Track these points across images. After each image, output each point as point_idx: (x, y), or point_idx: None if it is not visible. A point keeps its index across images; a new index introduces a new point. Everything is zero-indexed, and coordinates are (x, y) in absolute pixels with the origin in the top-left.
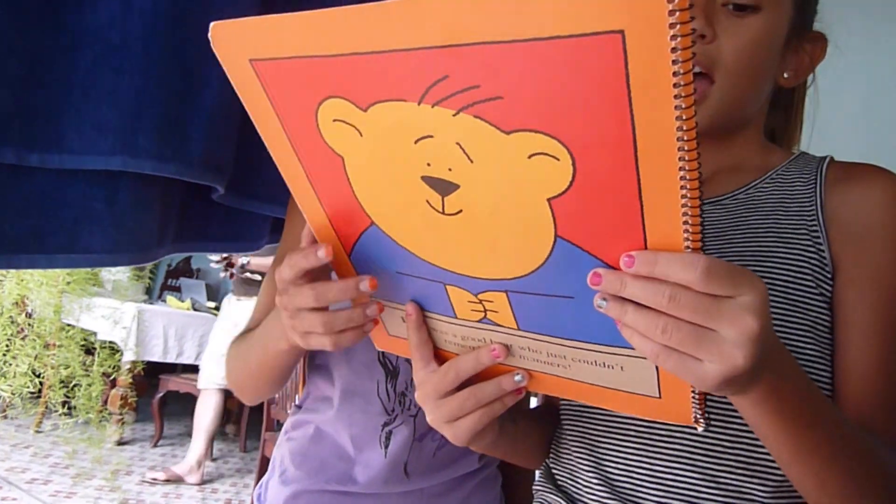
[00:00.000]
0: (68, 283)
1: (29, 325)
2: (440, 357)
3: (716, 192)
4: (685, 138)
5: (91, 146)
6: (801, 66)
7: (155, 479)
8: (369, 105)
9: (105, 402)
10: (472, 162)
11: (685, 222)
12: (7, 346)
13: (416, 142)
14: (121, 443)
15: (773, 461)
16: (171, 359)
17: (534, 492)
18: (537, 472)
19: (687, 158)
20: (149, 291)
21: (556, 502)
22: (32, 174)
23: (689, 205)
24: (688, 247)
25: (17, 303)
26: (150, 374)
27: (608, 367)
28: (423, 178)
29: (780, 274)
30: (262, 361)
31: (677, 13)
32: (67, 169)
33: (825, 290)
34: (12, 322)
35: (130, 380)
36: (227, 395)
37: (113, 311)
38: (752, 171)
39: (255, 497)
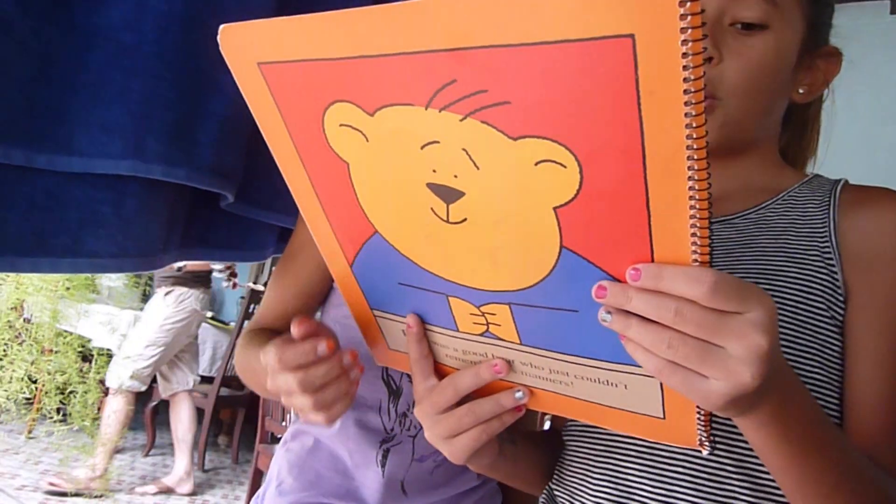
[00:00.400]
0: (67, 288)
1: (26, 330)
2: (440, 372)
3: (726, 211)
4: (695, 146)
5: (100, 149)
6: (816, 82)
7: (145, 493)
8: (376, 109)
9: (100, 410)
10: (478, 169)
11: (693, 234)
12: (4, 350)
13: (422, 147)
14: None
15: (778, 487)
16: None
17: None
18: (540, 497)
19: (696, 168)
20: (145, 299)
21: None
22: (38, 175)
23: (698, 216)
24: (695, 260)
25: (14, 307)
26: None
27: (611, 384)
28: (428, 184)
29: (790, 295)
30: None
31: (689, 17)
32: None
33: (836, 313)
34: (10, 326)
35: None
36: (220, 401)
37: (110, 317)
38: (763, 192)
39: None
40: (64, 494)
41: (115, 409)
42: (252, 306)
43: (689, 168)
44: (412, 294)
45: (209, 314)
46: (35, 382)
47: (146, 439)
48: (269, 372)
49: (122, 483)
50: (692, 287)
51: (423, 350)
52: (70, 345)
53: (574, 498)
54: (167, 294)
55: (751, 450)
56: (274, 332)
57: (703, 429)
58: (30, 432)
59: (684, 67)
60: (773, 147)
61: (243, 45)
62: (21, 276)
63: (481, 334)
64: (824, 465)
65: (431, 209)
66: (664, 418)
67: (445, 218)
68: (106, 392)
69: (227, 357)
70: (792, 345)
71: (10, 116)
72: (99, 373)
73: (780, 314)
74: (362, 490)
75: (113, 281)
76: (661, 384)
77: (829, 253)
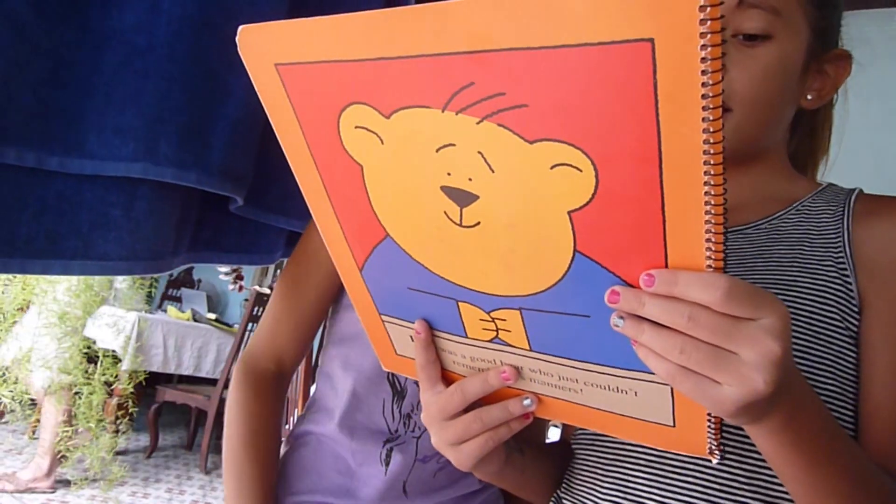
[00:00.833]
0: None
1: None
2: (447, 379)
3: (738, 221)
4: (712, 152)
5: (112, 151)
6: (824, 88)
7: (3, 490)
8: (392, 112)
9: (104, 411)
10: (493, 172)
11: (708, 240)
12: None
13: (437, 150)
14: (116, 452)
15: (791, 500)
16: (170, 369)
17: None
18: None
19: (713, 173)
20: (149, 300)
21: None
22: (50, 177)
23: (713, 222)
24: (709, 266)
25: (21, 308)
26: (147, 384)
27: (622, 391)
28: (442, 188)
29: (804, 305)
30: None
31: (709, 22)
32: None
33: (851, 324)
34: (14, 324)
35: (131, 389)
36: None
37: (116, 319)
38: (776, 202)
39: None
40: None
41: (49, 412)
42: (256, 309)
43: (705, 174)
44: (421, 299)
45: (213, 316)
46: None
47: (149, 441)
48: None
49: (125, 484)
50: (706, 292)
51: (430, 356)
52: (75, 346)
53: None
54: None
55: (763, 462)
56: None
57: (713, 437)
58: (33, 432)
59: (703, 73)
60: (783, 154)
61: (261, 46)
62: (28, 277)
63: (490, 340)
64: (836, 474)
65: (444, 213)
66: (674, 426)
67: (458, 221)
68: (110, 394)
69: (230, 359)
70: (806, 355)
71: (22, 118)
72: (104, 374)
73: (794, 325)
74: (363, 489)
75: (118, 283)
76: (672, 391)
77: (844, 263)
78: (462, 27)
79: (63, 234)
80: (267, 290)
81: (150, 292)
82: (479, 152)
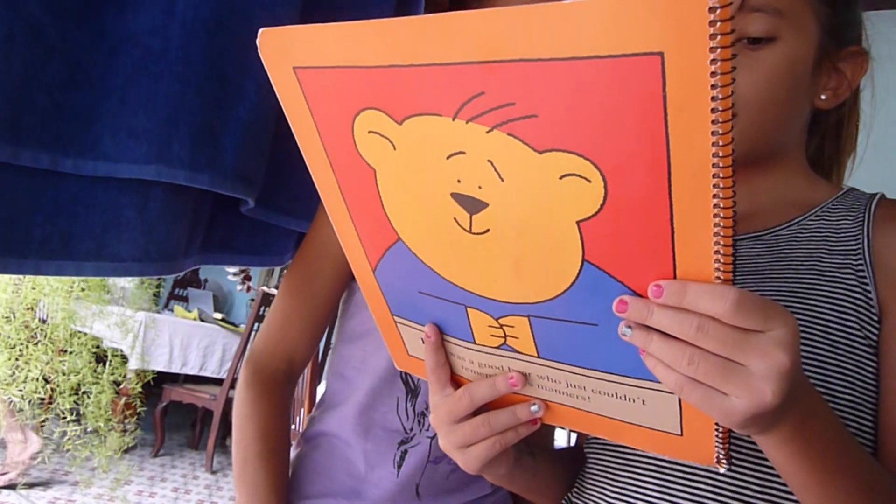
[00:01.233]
0: (83, 289)
1: (41, 330)
2: (457, 382)
3: (756, 227)
4: (721, 164)
5: (126, 153)
6: (840, 86)
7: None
8: (405, 118)
9: (113, 411)
10: (502, 180)
11: (717, 251)
12: (20, 351)
13: (448, 157)
14: (123, 451)
15: None
16: (175, 368)
17: None
18: None
19: (721, 186)
20: (156, 300)
21: None
22: (63, 178)
23: (722, 234)
24: (718, 277)
25: (30, 307)
26: (153, 383)
27: (629, 399)
28: (452, 194)
29: (822, 313)
30: None
31: (719, 37)
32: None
33: (870, 333)
34: (26, 327)
35: (139, 389)
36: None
37: (124, 318)
38: (795, 207)
39: None
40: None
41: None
42: (262, 308)
43: (714, 185)
44: (431, 303)
45: (219, 316)
46: (49, 382)
47: (155, 440)
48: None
49: (132, 483)
50: (715, 304)
51: (440, 359)
52: (84, 345)
53: None
54: None
55: (776, 472)
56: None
57: (720, 446)
58: (41, 427)
59: (713, 86)
60: (800, 156)
61: (281, 49)
62: (38, 276)
63: (498, 347)
64: (848, 484)
65: (455, 219)
66: (681, 435)
67: (468, 228)
68: (118, 393)
69: (236, 359)
70: (824, 365)
71: (38, 120)
72: (113, 374)
73: (812, 333)
74: (373, 491)
75: (130, 281)
76: (679, 401)
77: (863, 271)
78: (473, 37)
79: (76, 235)
80: (273, 290)
81: (158, 292)
82: (489, 161)
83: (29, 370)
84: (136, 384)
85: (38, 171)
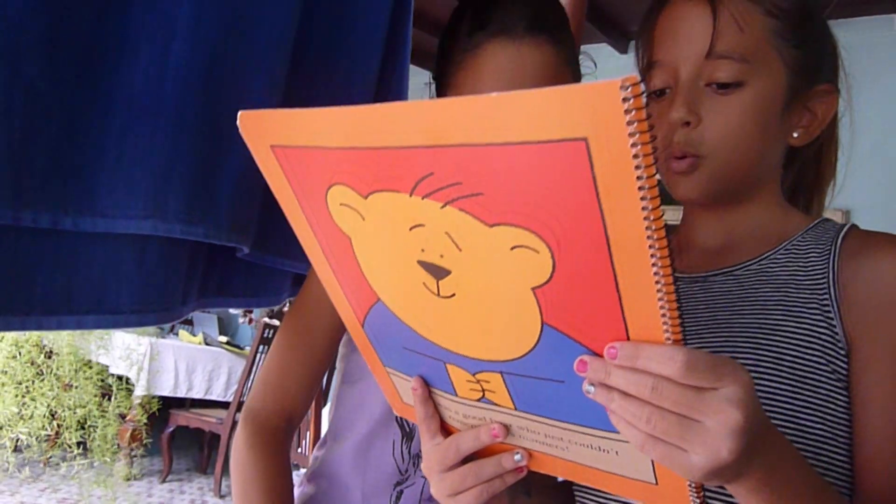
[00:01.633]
0: None
1: (47, 366)
2: (447, 431)
3: (729, 262)
4: (655, 238)
5: (123, 209)
6: (812, 124)
7: None
8: (369, 193)
9: (119, 444)
10: (460, 250)
11: (663, 315)
12: (26, 388)
13: (410, 229)
14: (130, 478)
15: None
16: (181, 393)
17: None
18: None
19: (659, 256)
20: (161, 327)
21: None
22: (63, 235)
23: (666, 300)
24: (668, 338)
25: (36, 344)
26: (158, 413)
27: (603, 450)
28: (419, 262)
29: (789, 349)
30: None
31: (635, 123)
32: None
33: (838, 367)
34: (31, 363)
35: (145, 420)
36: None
37: (130, 349)
38: (767, 241)
39: None
40: None
41: None
42: (267, 332)
43: (651, 256)
44: (415, 358)
45: (224, 339)
46: (55, 418)
47: (162, 465)
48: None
49: None
50: (666, 366)
51: (428, 410)
52: (90, 379)
53: None
54: None
55: None
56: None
57: (695, 495)
58: (48, 460)
59: (636, 167)
60: (775, 191)
61: (258, 130)
62: None
63: (478, 400)
64: None
65: (424, 284)
66: (657, 484)
67: (437, 292)
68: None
69: (242, 382)
70: (792, 400)
71: (38, 181)
72: (119, 407)
73: (779, 369)
74: None
75: None
76: None
77: (828, 305)
78: (420, 125)
79: (77, 289)
80: (276, 323)
81: None
82: (447, 233)
83: (35, 407)
84: (142, 415)
85: (38, 229)
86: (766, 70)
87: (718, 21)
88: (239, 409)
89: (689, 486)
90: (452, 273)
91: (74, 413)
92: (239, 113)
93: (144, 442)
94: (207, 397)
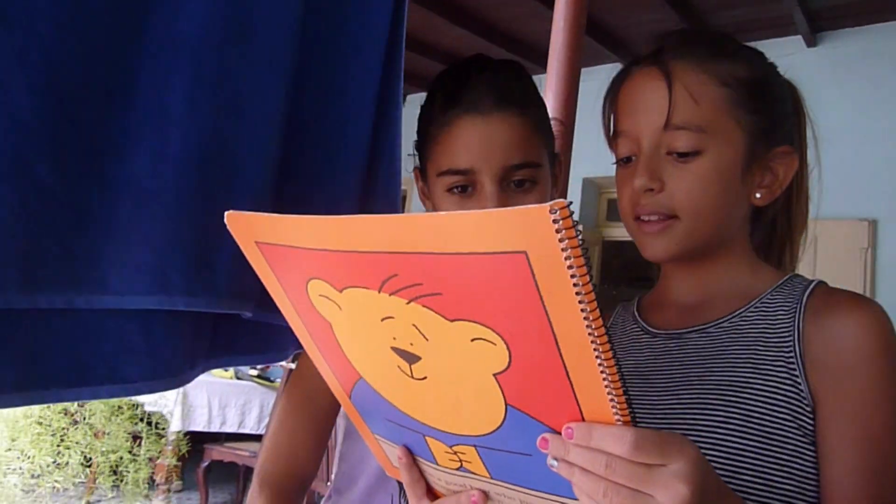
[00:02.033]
0: None
1: (81, 414)
2: (434, 494)
3: (702, 319)
4: (596, 334)
5: (131, 287)
6: (773, 184)
7: None
8: (343, 288)
9: (151, 486)
10: (427, 340)
11: (611, 399)
12: (62, 437)
13: (382, 320)
14: None
15: None
16: (214, 428)
17: None
18: None
19: (601, 350)
20: None
21: None
22: (77, 313)
23: (612, 387)
24: (618, 419)
25: None
26: (194, 442)
27: None
28: (392, 348)
29: (757, 407)
30: None
31: (567, 240)
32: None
33: (804, 423)
34: (65, 413)
35: (175, 462)
36: None
37: None
38: (738, 298)
39: None
40: None
41: None
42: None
43: (594, 350)
44: (398, 430)
45: (255, 373)
46: (90, 464)
47: (199, 500)
48: None
49: None
50: (616, 445)
51: (413, 476)
52: (121, 426)
53: None
54: None
55: None
56: None
57: None
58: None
59: (572, 276)
60: (744, 246)
61: (244, 228)
62: None
63: (457, 469)
64: None
65: (398, 367)
66: None
67: (410, 375)
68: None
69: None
70: (761, 457)
71: (51, 267)
72: (149, 451)
73: (747, 426)
74: None
75: None
76: None
77: (793, 363)
78: (383, 235)
79: (91, 363)
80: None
81: None
82: (414, 325)
83: (70, 455)
84: (172, 457)
85: (54, 309)
86: (724, 137)
87: (673, 95)
88: None
89: None
90: (423, 359)
91: (107, 459)
92: (226, 213)
93: (174, 482)
94: (240, 431)
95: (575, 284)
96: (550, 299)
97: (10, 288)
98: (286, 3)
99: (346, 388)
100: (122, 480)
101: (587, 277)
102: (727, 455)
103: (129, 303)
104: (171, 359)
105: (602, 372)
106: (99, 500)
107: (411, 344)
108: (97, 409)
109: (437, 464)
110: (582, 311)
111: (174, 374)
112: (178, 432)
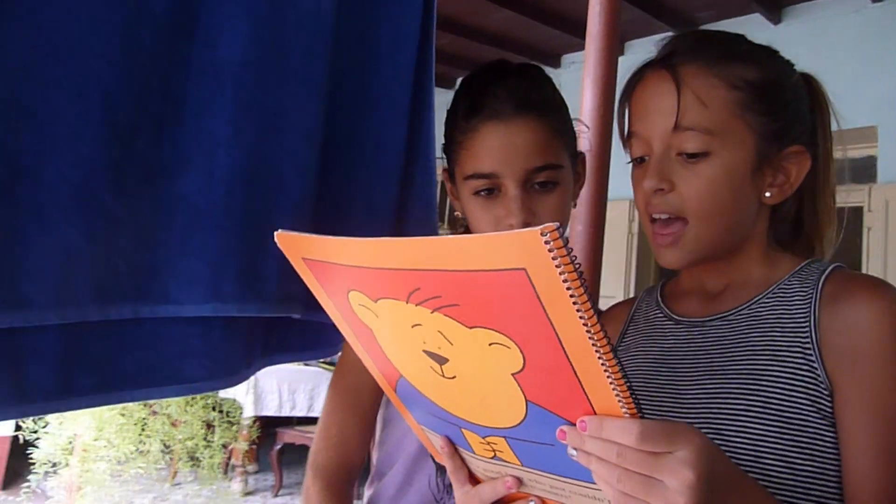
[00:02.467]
0: None
1: (159, 404)
2: (475, 479)
3: (723, 307)
4: (595, 339)
5: (188, 297)
6: (785, 184)
7: None
8: (377, 298)
9: (225, 472)
10: (452, 344)
11: (617, 395)
12: (143, 427)
13: (412, 327)
14: (245, 493)
15: None
16: (285, 412)
17: None
18: None
19: (602, 353)
20: None
21: None
22: (143, 321)
23: (616, 385)
24: (625, 412)
25: None
26: (266, 426)
27: (598, 500)
28: (423, 351)
29: (776, 393)
30: None
31: (559, 259)
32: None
33: (823, 406)
34: (145, 405)
35: (246, 445)
36: None
37: None
38: (757, 286)
39: None
40: None
41: None
42: None
43: (596, 352)
44: (438, 421)
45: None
46: (170, 451)
47: (274, 480)
48: None
49: None
50: (624, 437)
51: (456, 464)
52: (195, 415)
53: None
54: None
55: None
56: None
57: None
58: (173, 477)
59: (567, 289)
60: (762, 242)
61: (291, 246)
62: None
63: (492, 458)
64: None
65: (431, 367)
66: None
67: (442, 374)
68: (230, 455)
69: None
70: (781, 441)
71: (119, 283)
72: (222, 437)
73: (767, 411)
74: None
75: None
76: None
77: (810, 348)
78: (405, 254)
79: (158, 365)
80: None
81: None
82: (439, 331)
83: (151, 444)
84: (244, 442)
85: (123, 320)
86: (733, 139)
87: (682, 99)
88: None
89: None
90: (450, 361)
91: (185, 446)
92: (275, 234)
93: (246, 467)
94: (310, 415)
95: (571, 296)
96: (552, 309)
97: (85, 303)
98: (318, 20)
99: (391, 382)
100: (198, 465)
101: (581, 289)
102: (749, 441)
103: (188, 311)
104: (228, 359)
105: (605, 371)
106: (179, 483)
107: (439, 348)
108: (173, 399)
109: (475, 453)
110: (580, 318)
111: (232, 374)
112: (250, 418)
